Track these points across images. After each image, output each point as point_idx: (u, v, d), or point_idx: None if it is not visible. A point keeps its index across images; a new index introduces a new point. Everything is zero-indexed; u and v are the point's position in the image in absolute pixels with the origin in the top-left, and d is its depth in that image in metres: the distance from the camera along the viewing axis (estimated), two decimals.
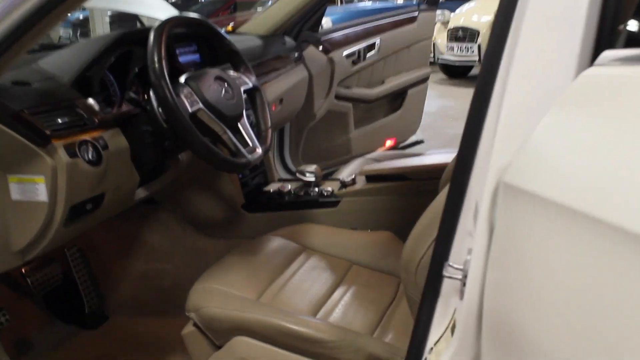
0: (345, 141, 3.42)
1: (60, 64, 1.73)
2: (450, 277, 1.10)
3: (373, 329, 1.64)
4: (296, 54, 2.88)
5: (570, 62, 0.94)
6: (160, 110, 1.70)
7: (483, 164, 1.06)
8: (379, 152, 2.96)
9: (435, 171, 1.91)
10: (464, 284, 1.08)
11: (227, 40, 2.00)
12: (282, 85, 2.64)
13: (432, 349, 1.19)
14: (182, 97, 1.70)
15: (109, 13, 9.31)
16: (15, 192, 1.55)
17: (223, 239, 2.35)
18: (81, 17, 12.27)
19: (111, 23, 10.42)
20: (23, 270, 2.09)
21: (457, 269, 1.08)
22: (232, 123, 1.80)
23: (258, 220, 2.33)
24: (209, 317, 1.62)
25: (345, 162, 3.23)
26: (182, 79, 1.76)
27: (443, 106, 7.22)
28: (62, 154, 1.52)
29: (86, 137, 1.61)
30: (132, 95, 1.79)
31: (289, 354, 1.53)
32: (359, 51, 3.36)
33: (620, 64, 0.86)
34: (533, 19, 1.00)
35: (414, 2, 3.68)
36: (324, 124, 3.30)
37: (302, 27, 2.99)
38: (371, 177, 2.21)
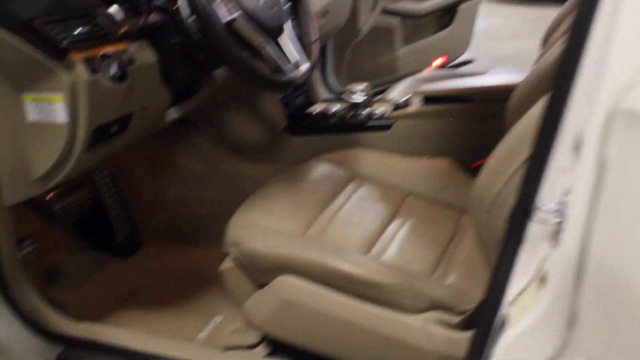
0: (391, 59, 3.23)
1: None
2: (540, 222, 0.91)
3: (432, 270, 1.46)
4: None
5: None
6: (191, 19, 1.49)
7: (587, 86, 0.85)
8: (430, 71, 2.73)
9: (501, 93, 1.71)
10: (558, 230, 0.89)
11: None
12: None
13: (513, 301, 1.01)
14: (217, 3, 1.48)
15: None
16: (32, 112, 1.38)
17: (263, 164, 2.18)
18: None
19: None
20: (47, 198, 1.94)
21: (549, 211, 0.89)
22: (273, 35, 1.59)
23: (301, 144, 2.14)
24: (251, 253, 1.45)
25: (392, 82, 3.05)
26: None
27: (490, 25, 6.87)
28: (82, 70, 1.34)
29: (109, 50, 1.42)
30: (161, 3, 1.58)
31: (340, 297, 1.36)
32: None
33: None
34: None
35: None
36: (369, 40, 3.11)
37: None
38: (428, 98, 1.99)
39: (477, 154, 1.89)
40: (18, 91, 1.36)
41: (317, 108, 2.20)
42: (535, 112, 1.11)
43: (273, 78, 1.54)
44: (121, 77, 1.43)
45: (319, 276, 1.37)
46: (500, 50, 5.74)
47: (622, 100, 0.79)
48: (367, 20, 2.98)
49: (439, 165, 1.81)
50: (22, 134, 1.40)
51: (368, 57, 3.19)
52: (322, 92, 2.87)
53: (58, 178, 1.46)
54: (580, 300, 0.90)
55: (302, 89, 2.31)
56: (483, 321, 1.06)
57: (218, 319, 1.78)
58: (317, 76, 2.82)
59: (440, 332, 1.29)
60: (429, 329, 1.30)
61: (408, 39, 3.28)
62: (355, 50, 3.09)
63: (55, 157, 1.41)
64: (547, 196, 0.92)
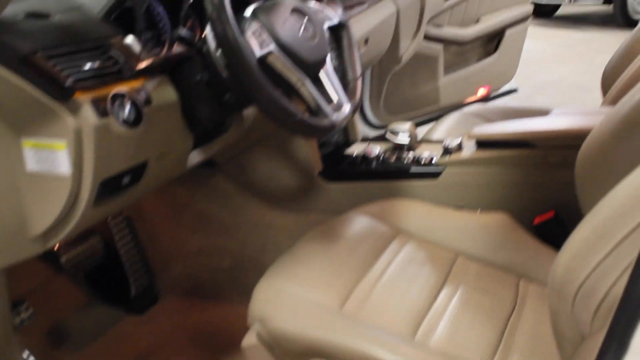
0: (433, 89, 3.07)
1: None
2: None
3: (492, 354, 1.24)
4: None
5: None
6: (219, 53, 1.29)
7: None
8: (479, 105, 2.55)
9: (572, 138, 1.51)
10: None
11: None
12: (368, 21, 2.26)
13: None
14: (249, 35, 1.29)
15: None
16: (31, 160, 1.20)
17: (295, 212, 2.01)
18: None
19: None
20: (55, 248, 1.78)
21: None
22: (312, 71, 1.39)
23: (338, 192, 1.97)
24: (278, 333, 1.24)
25: (433, 113, 2.89)
26: (248, 12, 1.35)
27: (529, 49, 6.72)
28: (89, 112, 1.16)
29: (122, 88, 1.23)
30: (184, 33, 1.39)
31: None
32: None
33: None
34: None
35: None
36: (410, 68, 2.97)
37: None
38: (484, 143, 1.78)
39: (540, 208, 1.71)
40: (17, 135, 1.18)
41: (356, 149, 2.03)
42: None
43: (312, 122, 1.33)
44: (136, 120, 1.24)
45: None
46: (540, 76, 5.67)
47: None
48: (409, 47, 2.83)
49: (494, 220, 1.60)
50: (19, 185, 1.22)
51: (408, 86, 3.05)
52: (359, 126, 2.73)
53: (60, 237, 1.28)
54: None
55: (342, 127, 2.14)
56: None
57: None
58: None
59: None
60: None
61: (451, 67, 3.13)
62: (395, 79, 2.96)
63: (56, 213, 1.23)
64: None
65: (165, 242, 2.12)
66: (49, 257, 1.82)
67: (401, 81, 2.99)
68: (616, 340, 0.75)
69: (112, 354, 1.80)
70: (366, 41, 2.23)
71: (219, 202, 2.09)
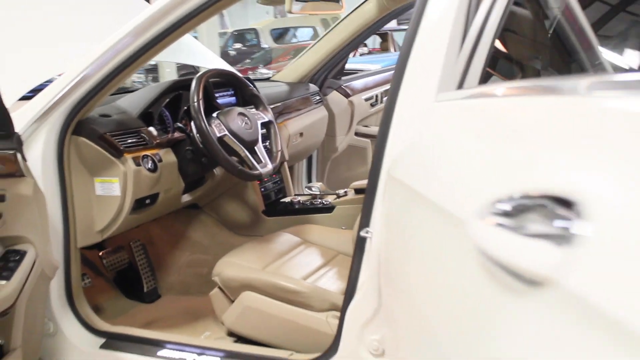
0: (363, 172, 3.83)
1: (131, 102, 2.41)
2: (366, 236, 1.63)
3: (340, 292, 2.22)
4: (318, 97, 3.49)
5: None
6: (198, 135, 2.38)
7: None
8: None
9: None
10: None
11: (251, 87, 2.69)
12: (302, 121, 3.25)
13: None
14: (213, 126, 2.37)
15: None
16: (99, 189, 2.18)
17: (247, 236, 2.89)
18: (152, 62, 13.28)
19: (178, 69, 11.40)
20: (100, 254, 2.74)
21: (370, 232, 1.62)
22: (249, 146, 2.46)
23: (274, 223, 2.88)
24: (227, 278, 2.20)
25: None
26: (214, 115, 2.44)
27: None
28: (131, 164, 2.16)
29: (147, 152, 2.25)
30: (180, 125, 2.47)
31: (280, 304, 2.10)
32: (376, 95, 3.95)
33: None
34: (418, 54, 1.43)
35: None
36: (346, 156, 3.85)
37: (327, 75, 3.58)
38: (358, 190, 2.82)
39: None
40: (92, 176, 2.16)
41: (287, 198, 3.02)
42: None
43: (247, 172, 2.40)
44: (154, 169, 2.26)
45: (269, 290, 2.09)
46: None
47: (391, 169, 1.45)
48: (343, 141, 3.74)
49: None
50: (91, 202, 2.18)
51: (345, 169, 3.89)
52: (295, 189, 3.58)
53: (110, 231, 2.23)
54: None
55: (279, 186, 3.11)
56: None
57: (207, 333, 2.46)
58: (300, 182, 3.65)
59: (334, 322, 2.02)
60: (329, 320, 2.04)
61: None
62: (335, 163, 3.82)
63: (110, 217, 2.19)
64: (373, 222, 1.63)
65: (166, 258, 2.89)
66: (95, 264, 2.77)
67: (339, 165, 3.85)
68: (358, 249, 1.78)
69: (131, 322, 2.51)
70: (301, 134, 3.23)
71: (201, 230, 2.92)
